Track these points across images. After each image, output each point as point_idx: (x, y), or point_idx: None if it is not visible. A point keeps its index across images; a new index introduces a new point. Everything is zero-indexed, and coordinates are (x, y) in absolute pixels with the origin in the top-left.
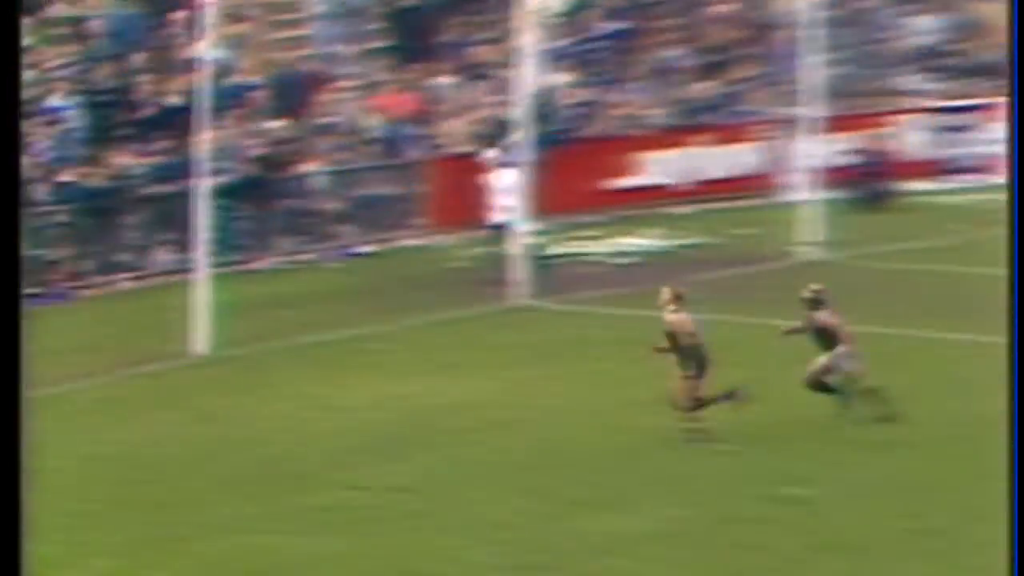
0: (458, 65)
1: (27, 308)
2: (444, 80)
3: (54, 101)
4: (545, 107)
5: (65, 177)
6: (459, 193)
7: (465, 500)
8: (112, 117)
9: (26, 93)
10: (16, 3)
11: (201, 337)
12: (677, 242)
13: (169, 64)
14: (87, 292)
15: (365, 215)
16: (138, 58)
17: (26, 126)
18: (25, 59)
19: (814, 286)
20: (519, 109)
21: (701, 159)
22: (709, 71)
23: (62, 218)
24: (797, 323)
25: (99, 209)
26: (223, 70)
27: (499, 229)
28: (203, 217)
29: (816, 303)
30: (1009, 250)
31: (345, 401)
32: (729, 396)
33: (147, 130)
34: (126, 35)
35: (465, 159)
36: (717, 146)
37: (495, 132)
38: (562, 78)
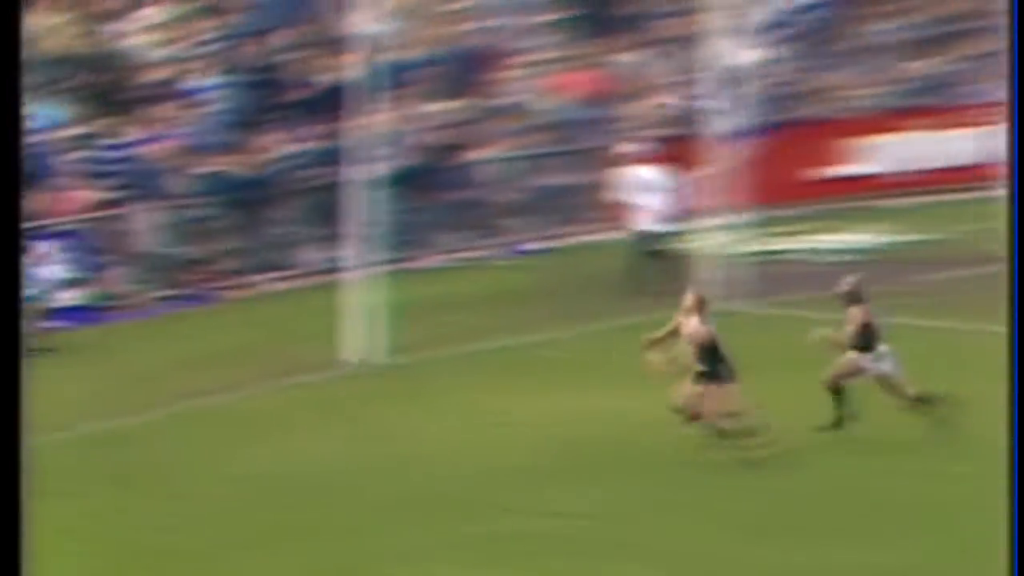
0: (645, 40)
1: (169, 310)
2: (630, 57)
3: (195, 81)
4: (742, 87)
5: (207, 166)
6: None
7: (654, 529)
8: (260, 99)
9: (164, 72)
10: (17, 3)
11: (358, 344)
12: (892, 239)
13: (324, 39)
14: (232, 293)
15: (541, 207)
16: (289, 33)
17: (164, 109)
18: (163, 35)
19: (851, 278)
20: (713, 90)
21: (919, 146)
22: (929, 47)
23: (204, 211)
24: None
25: (245, 201)
26: (384, 46)
27: (644, 234)
28: (361, 210)
29: (849, 298)
30: (1009, 250)
31: (519, 416)
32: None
33: (299, 113)
34: (276, 7)
35: (658, 144)
36: (938, 131)
37: (686, 115)
38: (762, 55)
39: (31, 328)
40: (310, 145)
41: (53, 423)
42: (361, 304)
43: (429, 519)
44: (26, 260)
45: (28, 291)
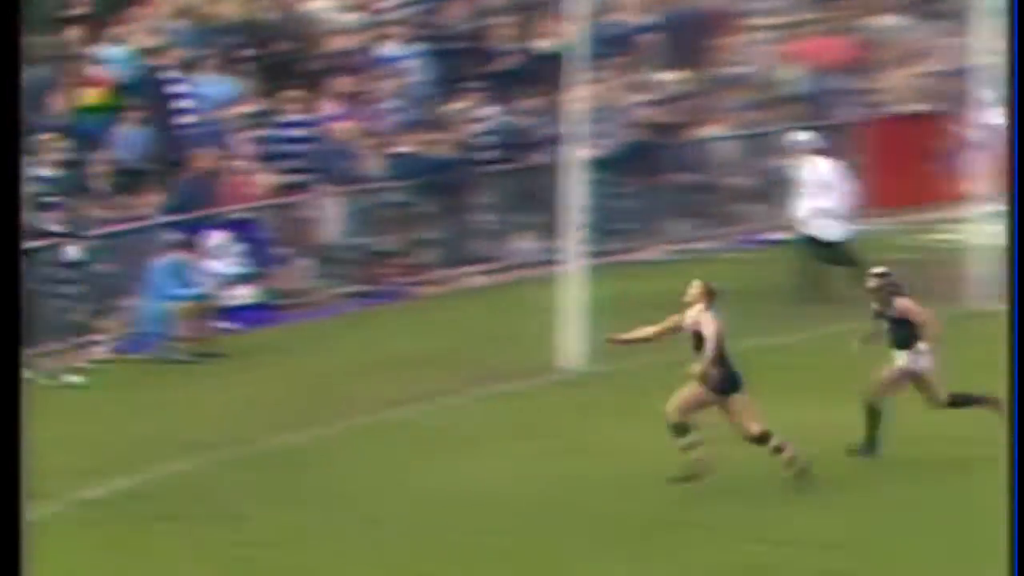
0: (900, 1)
1: (354, 308)
2: (885, 20)
3: (386, 50)
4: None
5: (399, 145)
6: (905, 164)
7: (911, 561)
8: (460, 70)
9: (350, 40)
10: (17, 3)
11: (571, 347)
12: None
13: (532, 2)
14: (426, 289)
15: (781, 193)
16: None
17: (351, 82)
18: None
19: (879, 269)
20: (983, 57)
21: None
22: None
23: (395, 197)
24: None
25: (442, 185)
26: (603, 8)
27: (812, 239)
28: (574, 195)
29: (889, 290)
30: (1009, 250)
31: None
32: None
33: (506, 86)
34: None
35: (914, 121)
36: None
37: (951, 88)
38: None
39: (198, 330)
40: (516, 122)
41: (222, 437)
42: (574, 302)
43: (646, 546)
44: (194, 253)
45: (196, 288)
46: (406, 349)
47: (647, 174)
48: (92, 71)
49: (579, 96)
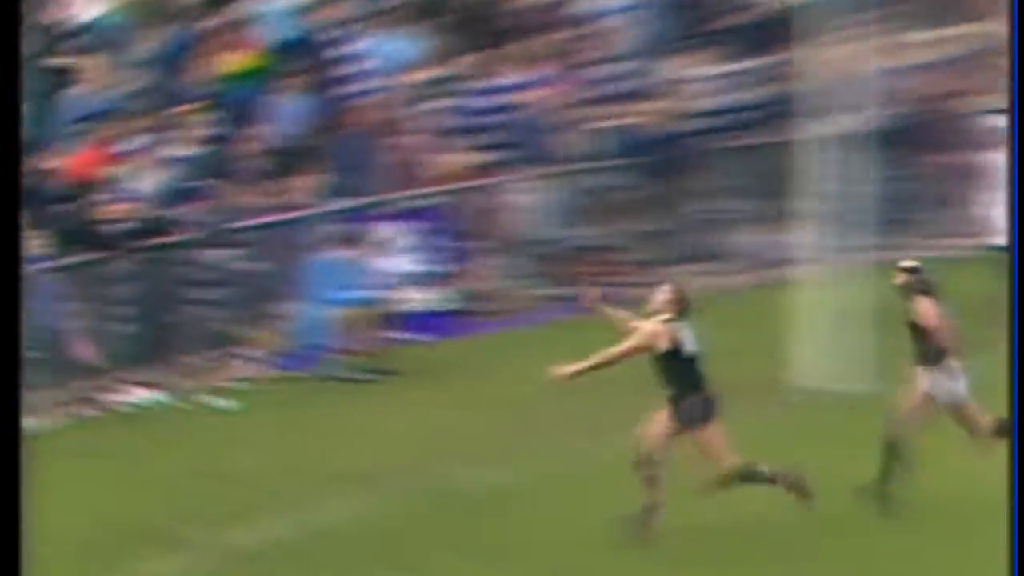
0: None
1: (557, 315)
2: None
3: (598, 3)
4: None
5: (615, 118)
6: None
7: None
8: (683, 26)
9: None
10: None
11: (814, 363)
12: None
13: None
14: (645, 292)
15: None
16: None
17: (552, 42)
18: None
19: (908, 263)
20: None
21: None
22: None
23: (609, 180)
24: None
25: (664, 166)
26: None
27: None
28: (819, 180)
29: (916, 288)
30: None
31: None
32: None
33: (735, 46)
34: None
35: None
36: None
37: None
38: None
39: (368, 341)
40: (750, 90)
41: (397, 471)
42: (819, 308)
43: None
44: (363, 249)
45: (365, 291)
46: (620, 364)
47: (910, 154)
48: (241, 31)
49: (826, 59)
